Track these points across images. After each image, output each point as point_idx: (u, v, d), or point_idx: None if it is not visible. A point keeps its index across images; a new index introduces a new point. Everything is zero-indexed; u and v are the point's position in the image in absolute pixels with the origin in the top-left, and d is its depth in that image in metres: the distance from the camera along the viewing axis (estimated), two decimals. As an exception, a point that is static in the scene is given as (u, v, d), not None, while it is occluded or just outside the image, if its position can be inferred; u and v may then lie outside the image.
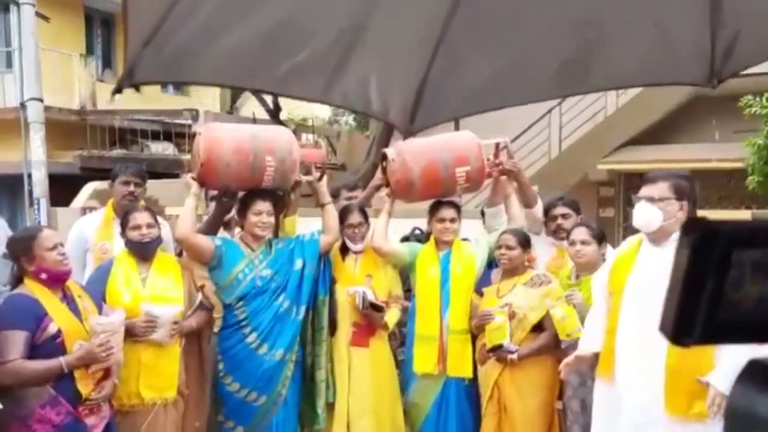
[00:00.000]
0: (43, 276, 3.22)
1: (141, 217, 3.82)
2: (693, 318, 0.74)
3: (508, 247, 4.00)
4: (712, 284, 0.72)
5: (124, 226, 3.84)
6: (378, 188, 4.50)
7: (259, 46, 1.90)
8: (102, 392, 3.28)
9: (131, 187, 4.39)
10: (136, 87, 2.01)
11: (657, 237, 3.27)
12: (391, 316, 4.22)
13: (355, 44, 1.96)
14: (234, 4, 1.82)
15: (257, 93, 11.05)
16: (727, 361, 3.03)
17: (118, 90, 1.87)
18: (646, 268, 3.28)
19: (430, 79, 1.95)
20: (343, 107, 2.27)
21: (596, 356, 3.45)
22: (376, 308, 4.11)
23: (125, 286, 3.71)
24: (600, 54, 1.98)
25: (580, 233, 3.85)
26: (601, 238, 3.87)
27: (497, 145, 4.42)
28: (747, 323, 0.75)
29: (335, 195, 4.89)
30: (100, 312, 3.48)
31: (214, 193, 4.34)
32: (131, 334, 3.55)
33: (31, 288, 3.21)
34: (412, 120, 2.02)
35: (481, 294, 4.10)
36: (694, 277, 0.72)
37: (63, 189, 9.62)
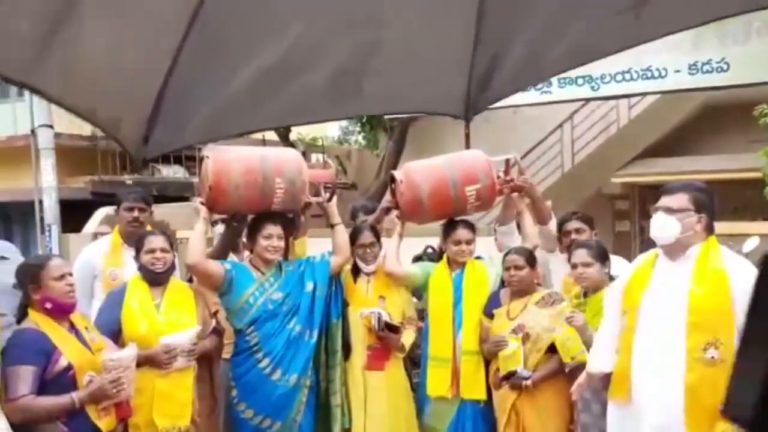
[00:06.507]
0: (48, 306, 3.16)
1: (156, 241, 3.80)
2: None
3: (517, 267, 3.92)
4: None
5: (138, 249, 3.81)
6: (388, 211, 4.44)
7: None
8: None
9: (135, 213, 4.38)
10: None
11: (673, 250, 3.19)
12: (407, 337, 4.15)
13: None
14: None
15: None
16: None
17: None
18: (661, 284, 3.20)
19: (169, 91, 1.85)
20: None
21: (606, 377, 3.37)
22: (393, 329, 4.04)
23: (140, 313, 3.68)
24: (372, 67, 1.91)
25: (581, 255, 3.76)
26: (603, 256, 3.78)
27: (507, 161, 4.36)
28: None
29: (353, 216, 4.85)
30: (115, 341, 3.46)
31: (220, 216, 4.30)
32: (153, 366, 3.56)
33: (38, 321, 3.15)
34: (146, 142, 1.93)
35: (491, 316, 4.01)
36: None
37: (74, 215, 9.64)
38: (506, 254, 4.02)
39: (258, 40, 1.75)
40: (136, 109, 1.80)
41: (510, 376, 3.81)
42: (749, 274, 3.07)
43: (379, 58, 1.89)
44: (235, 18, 1.71)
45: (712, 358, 2.99)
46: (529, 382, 3.77)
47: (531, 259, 3.97)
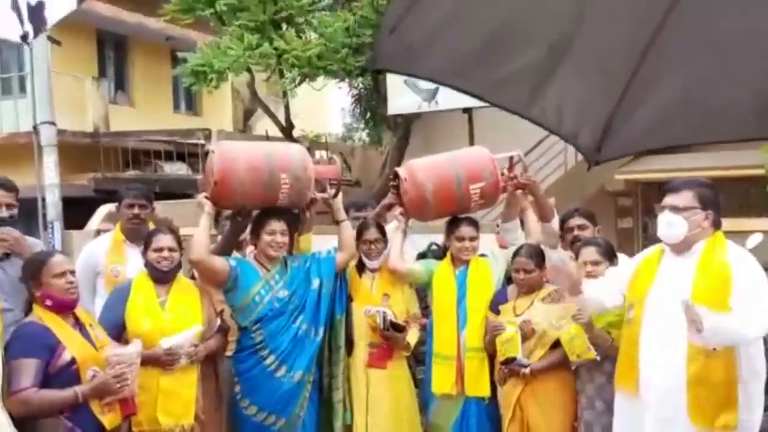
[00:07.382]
0: (48, 303, 3.17)
1: (165, 240, 3.76)
2: None
3: (526, 271, 3.92)
4: None
5: (146, 246, 3.79)
6: (389, 207, 4.42)
7: (479, 48, 2.04)
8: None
9: (136, 210, 4.33)
10: (379, 72, 2.30)
11: (680, 247, 3.20)
12: (412, 336, 4.13)
13: (563, 60, 2.04)
14: (462, 4, 1.99)
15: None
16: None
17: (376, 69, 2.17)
18: (668, 278, 3.21)
19: (621, 109, 2.08)
20: (537, 124, 2.47)
21: (612, 369, 3.41)
22: (398, 328, 4.03)
23: (145, 311, 3.66)
24: None
25: (590, 254, 3.75)
26: (611, 255, 3.78)
27: (511, 158, 4.36)
28: None
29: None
30: (119, 338, 3.46)
31: (225, 213, 4.29)
32: (156, 365, 3.55)
33: (42, 316, 3.15)
34: (598, 149, 2.18)
35: (497, 312, 4.01)
36: None
37: (77, 212, 9.62)
38: (515, 254, 4.01)
39: (702, 51, 1.95)
40: (592, 124, 2.11)
41: (509, 361, 3.81)
42: (753, 267, 3.07)
43: None
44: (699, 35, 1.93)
45: (714, 349, 2.98)
46: (527, 370, 3.78)
47: (540, 261, 3.96)
